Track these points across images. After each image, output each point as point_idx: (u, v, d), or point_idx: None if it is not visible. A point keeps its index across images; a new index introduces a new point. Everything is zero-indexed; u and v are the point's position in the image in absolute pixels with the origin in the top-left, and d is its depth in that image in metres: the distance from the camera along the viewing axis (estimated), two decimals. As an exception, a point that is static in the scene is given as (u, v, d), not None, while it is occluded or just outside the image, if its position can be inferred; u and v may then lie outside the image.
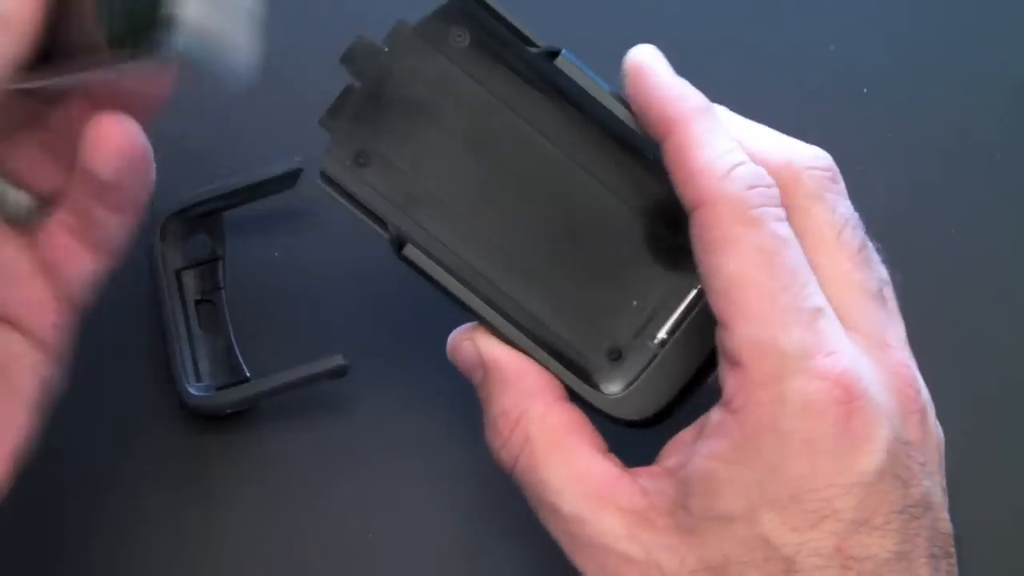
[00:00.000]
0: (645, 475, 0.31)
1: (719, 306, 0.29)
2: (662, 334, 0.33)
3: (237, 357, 0.39)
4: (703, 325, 0.32)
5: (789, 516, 0.28)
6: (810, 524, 0.28)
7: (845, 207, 0.32)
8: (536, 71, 0.33)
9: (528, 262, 0.33)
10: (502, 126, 0.33)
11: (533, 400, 0.32)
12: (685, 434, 0.32)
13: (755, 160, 0.31)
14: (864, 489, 0.28)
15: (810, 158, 0.32)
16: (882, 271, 0.33)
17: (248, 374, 0.39)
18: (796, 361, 0.28)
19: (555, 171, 0.33)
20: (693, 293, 0.33)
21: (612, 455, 0.32)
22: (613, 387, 0.33)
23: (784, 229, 0.30)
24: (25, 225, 0.30)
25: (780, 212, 0.30)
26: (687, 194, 0.30)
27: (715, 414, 0.30)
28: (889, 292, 0.33)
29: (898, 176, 0.43)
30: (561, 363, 0.33)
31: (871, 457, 0.28)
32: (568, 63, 0.33)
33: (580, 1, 0.45)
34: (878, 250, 0.33)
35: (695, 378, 0.33)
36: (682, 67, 0.44)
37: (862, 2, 0.45)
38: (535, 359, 0.33)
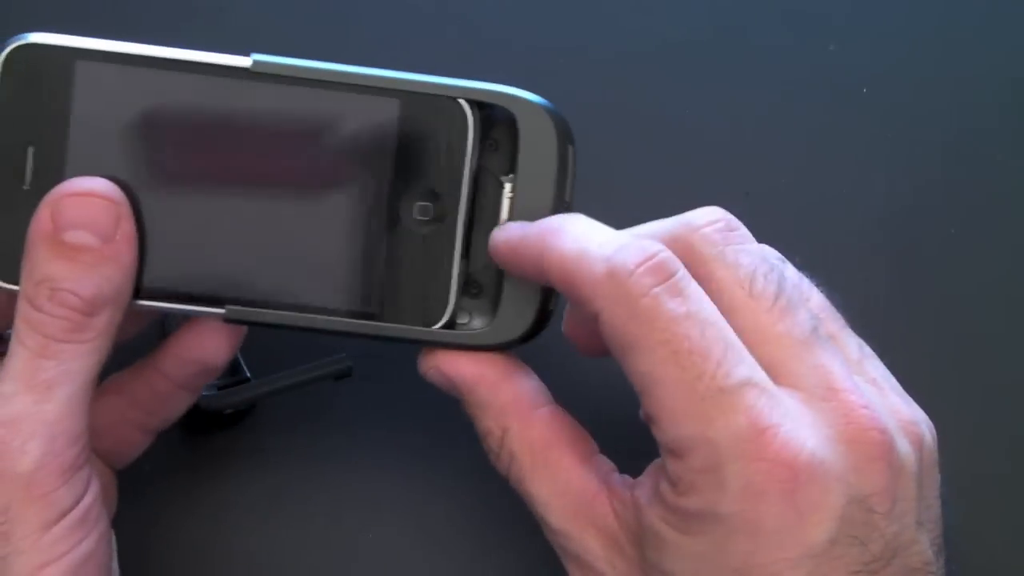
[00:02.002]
0: (619, 498, 0.31)
1: (644, 404, 0.29)
2: None
3: (238, 357, 0.39)
4: (531, 218, 0.32)
5: None
6: None
7: (748, 256, 0.30)
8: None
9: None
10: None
11: (510, 417, 0.32)
12: (653, 469, 0.31)
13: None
14: (813, 560, 0.28)
15: (698, 219, 0.31)
16: (811, 307, 0.31)
17: (248, 374, 0.39)
18: (730, 448, 0.28)
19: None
20: (508, 189, 0.33)
21: (598, 459, 0.32)
22: (485, 317, 0.33)
23: (682, 306, 0.28)
24: None
25: (676, 282, 0.29)
26: (585, 307, 0.30)
27: (664, 488, 0.29)
28: (830, 326, 0.32)
29: (898, 176, 0.43)
30: (381, 320, 0.32)
31: (819, 528, 0.28)
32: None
33: (580, 2, 0.45)
34: (800, 267, 0.32)
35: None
36: (682, 67, 0.44)
37: (862, 2, 0.45)
38: (382, 336, 0.32)
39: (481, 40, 0.44)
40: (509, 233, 0.32)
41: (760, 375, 0.29)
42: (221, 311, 0.32)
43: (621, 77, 0.44)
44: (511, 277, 0.33)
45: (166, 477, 0.39)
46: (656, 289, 0.28)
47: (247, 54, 0.32)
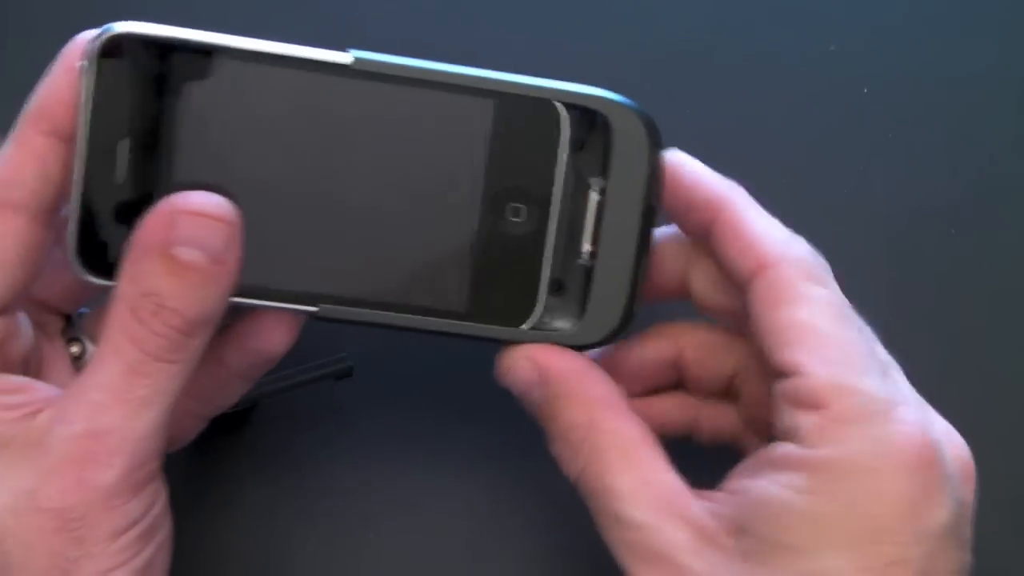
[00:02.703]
0: (708, 495, 0.31)
1: (788, 353, 0.30)
2: (587, 246, 0.33)
3: None
4: (621, 220, 0.32)
5: (861, 556, 0.28)
6: (880, 567, 0.28)
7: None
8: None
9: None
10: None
11: (601, 410, 0.32)
12: (739, 468, 0.31)
13: None
14: (934, 543, 0.28)
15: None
16: None
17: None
18: (880, 404, 0.29)
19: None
20: (594, 197, 0.33)
21: (674, 470, 0.32)
22: (569, 317, 0.33)
23: (843, 298, 0.31)
24: None
25: (836, 285, 0.31)
26: (747, 260, 0.31)
27: (786, 448, 0.30)
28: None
29: (898, 176, 0.43)
30: (470, 320, 0.32)
31: (942, 510, 0.28)
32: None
33: (579, 4, 0.45)
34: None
35: (637, 269, 0.33)
36: (682, 67, 0.44)
37: (862, 2, 0.45)
38: (470, 336, 0.32)
39: (481, 40, 0.44)
40: (690, 164, 0.33)
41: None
42: (314, 309, 0.32)
43: (620, 77, 0.44)
44: (600, 278, 0.33)
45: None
46: (826, 274, 0.31)
47: (344, 49, 0.31)
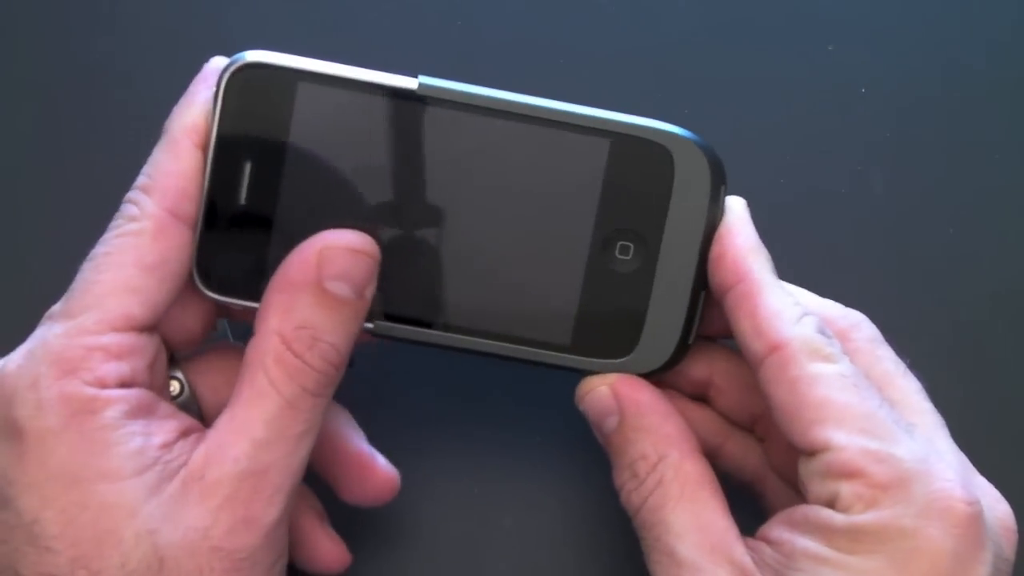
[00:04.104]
0: (753, 544, 0.31)
1: (812, 434, 0.30)
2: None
3: (229, 337, 0.38)
4: (678, 250, 0.33)
5: None
6: None
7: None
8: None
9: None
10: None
11: (672, 446, 0.32)
12: (784, 518, 0.32)
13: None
14: None
15: (861, 315, 0.34)
16: None
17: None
18: (915, 465, 0.29)
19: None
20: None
21: (731, 516, 0.32)
22: (628, 347, 0.33)
23: (857, 369, 0.31)
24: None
25: (847, 357, 0.31)
26: (759, 340, 0.31)
27: (827, 513, 0.30)
28: None
29: (897, 176, 0.43)
30: (569, 352, 0.33)
31: (985, 566, 0.29)
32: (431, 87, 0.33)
33: (578, 4, 0.45)
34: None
35: (693, 302, 0.33)
36: (682, 67, 0.44)
37: (861, 2, 0.45)
38: (548, 364, 0.33)
39: (480, 40, 0.44)
40: (741, 242, 0.33)
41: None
42: (436, 334, 0.33)
43: (620, 77, 0.44)
44: (655, 311, 0.33)
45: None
46: (837, 352, 0.31)
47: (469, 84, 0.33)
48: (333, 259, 0.31)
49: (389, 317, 0.33)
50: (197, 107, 0.32)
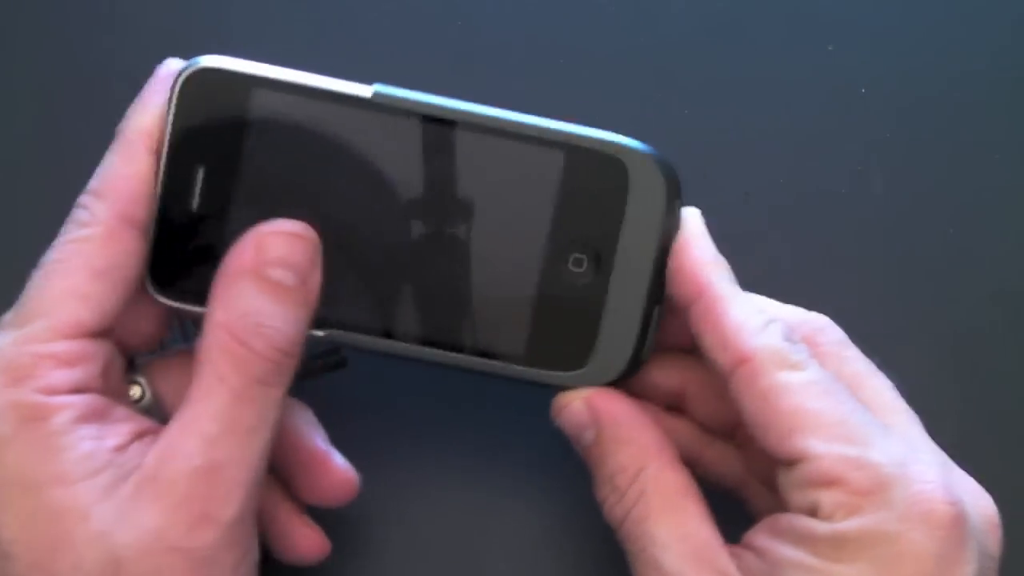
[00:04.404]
0: (737, 552, 0.31)
1: (787, 444, 0.30)
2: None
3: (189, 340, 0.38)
4: (633, 263, 0.32)
5: None
6: None
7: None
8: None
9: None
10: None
11: (651, 457, 0.32)
12: (766, 526, 0.31)
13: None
14: None
15: (825, 318, 0.34)
16: None
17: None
18: (894, 469, 0.29)
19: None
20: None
21: (715, 525, 0.32)
22: (581, 359, 0.33)
23: (827, 373, 0.31)
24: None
25: (816, 362, 0.31)
26: (725, 354, 0.31)
27: (808, 522, 0.30)
28: None
29: (897, 176, 0.43)
30: (522, 364, 0.33)
31: (969, 567, 0.29)
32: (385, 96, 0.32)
33: (578, 4, 0.45)
34: None
35: (647, 316, 0.33)
36: (682, 67, 0.44)
37: (861, 2, 0.45)
38: (502, 375, 0.33)
39: (480, 40, 0.44)
40: (697, 257, 0.32)
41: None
42: (393, 342, 0.33)
43: (620, 77, 0.44)
44: (609, 323, 0.33)
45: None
46: (805, 357, 0.31)
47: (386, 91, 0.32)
48: (270, 245, 0.30)
49: (341, 325, 0.33)
50: (151, 110, 0.32)
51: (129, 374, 0.33)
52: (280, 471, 0.35)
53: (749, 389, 0.31)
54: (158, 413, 0.33)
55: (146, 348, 0.34)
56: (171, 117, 0.31)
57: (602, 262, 0.33)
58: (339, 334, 0.33)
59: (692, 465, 0.35)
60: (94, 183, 0.31)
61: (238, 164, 0.32)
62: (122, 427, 0.30)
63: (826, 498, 0.29)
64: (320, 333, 0.32)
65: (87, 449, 0.29)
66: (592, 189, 0.32)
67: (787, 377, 0.30)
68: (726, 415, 0.35)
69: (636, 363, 0.33)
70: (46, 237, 0.41)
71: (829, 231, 0.43)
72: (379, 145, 0.32)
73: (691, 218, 0.33)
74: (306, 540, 0.35)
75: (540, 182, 0.32)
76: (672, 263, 0.32)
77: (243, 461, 0.30)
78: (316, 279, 0.31)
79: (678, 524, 0.31)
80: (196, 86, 0.32)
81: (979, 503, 0.31)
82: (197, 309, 0.32)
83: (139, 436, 0.30)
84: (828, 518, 0.29)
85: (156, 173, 0.31)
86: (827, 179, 0.43)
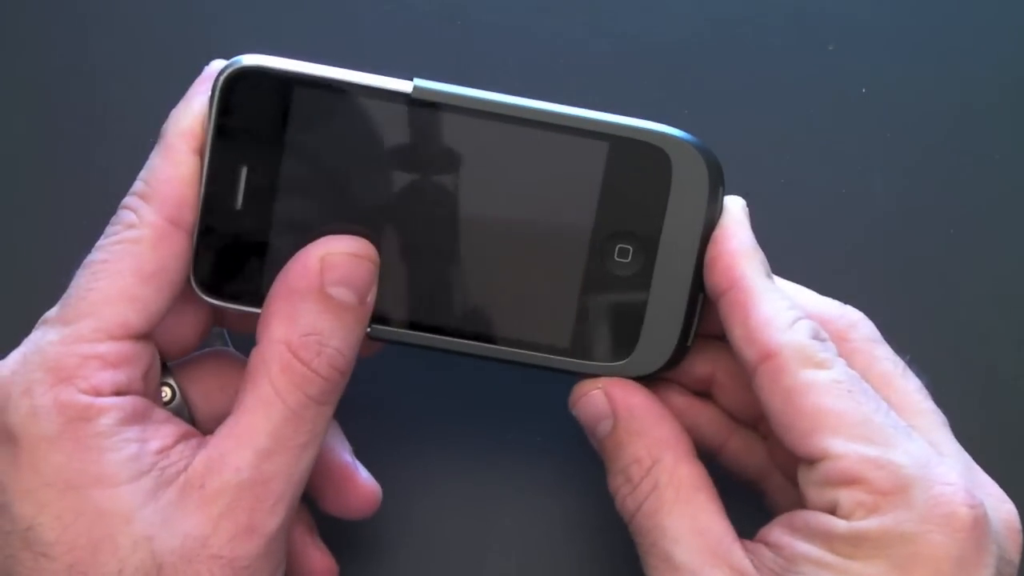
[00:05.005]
0: (752, 547, 0.31)
1: (809, 442, 0.30)
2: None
3: (227, 343, 0.38)
4: (677, 252, 0.33)
5: None
6: None
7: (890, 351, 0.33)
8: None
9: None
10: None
11: (666, 450, 0.32)
12: (784, 522, 0.31)
13: (808, 315, 0.32)
14: None
15: (859, 313, 0.34)
16: None
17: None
18: (915, 468, 0.29)
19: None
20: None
21: (728, 519, 0.32)
22: (626, 350, 0.33)
23: (852, 372, 0.31)
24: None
25: (843, 361, 0.31)
26: (751, 348, 0.31)
27: (828, 519, 0.30)
28: None
29: (898, 176, 0.43)
30: (568, 356, 0.33)
31: (988, 571, 0.29)
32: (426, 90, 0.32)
33: (578, 4, 0.45)
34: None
35: (691, 304, 0.33)
36: (683, 67, 0.44)
37: (862, 2, 0.45)
38: (546, 367, 0.33)
39: (481, 40, 0.44)
40: (734, 246, 0.32)
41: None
42: (438, 336, 0.33)
43: (619, 77, 0.44)
44: (653, 313, 0.33)
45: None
46: (831, 356, 0.31)
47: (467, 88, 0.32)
48: (335, 265, 0.31)
49: (386, 320, 0.33)
50: (194, 111, 0.32)
51: (163, 375, 0.33)
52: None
53: (773, 385, 0.31)
54: (186, 415, 0.33)
55: (183, 352, 0.34)
56: (213, 117, 0.32)
57: (647, 252, 0.33)
58: (385, 330, 0.33)
59: (716, 452, 0.36)
60: (139, 185, 0.31)
61: (281, 163, 0.32)
62: (164, 429, 0.30)
63: (846, 497, 0.29)
64: (367, 329, 0.32)
65: (132, 451, 0.29)
66: (636, 179, 0.33)
67: (811, 375, 0.30)
68: (753, 405, 0.35)
69: (681, 352, 0.33)
70: (46, 237, 0.41)
71: (829, 231, 0.43)
72: (420, 139, 0.32)
73: (733, 206, 0.33)
74: (319, 564, 0.35)
75: (584, 173, 0.33)
76: (709, 253, 0.32)
77: (291, 476, 0.30)
78: (373, 296, 0.32)
79: (691, 517, 0.31)
80: (237, 85, 0.32)
81: (1001, 508, 0.31)
82: (243, 308, 0.32)
83: (182, 439, 0.30)
84: (847, 516, 0.29)
85: (200, 173, 0.31)
86: (827, 179, 0.43)
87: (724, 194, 0.33)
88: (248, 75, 0.32)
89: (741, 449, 0.36)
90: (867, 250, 0.43)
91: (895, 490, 0.29)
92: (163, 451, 0.30)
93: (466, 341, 0.33)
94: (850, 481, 0.29)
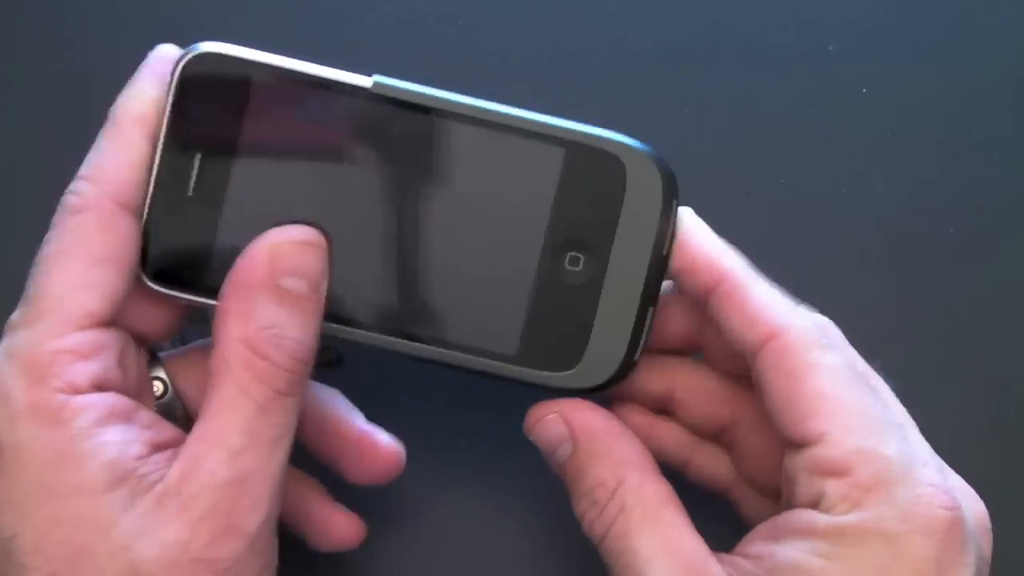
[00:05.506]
0: (729, 560, 0.31)
1: (806, 425, 0.30)
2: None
3: None
4: (628, 263, 0.32)
5: None
6: None
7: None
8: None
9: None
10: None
11: (630, 469, 0.32)
12: (758, 531, 0.31)
13: None
14: None
15: (827, 320, 0.33)
16: None
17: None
18: (901, 468, 0.29)
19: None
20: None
21: (698, 533, 0.32)
22: (572, 360, 0.33)
23: (856, 355, 0.31)
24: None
25: (843, 347, 0.31)
26: (753, 331, 0.31)
27: (810, 515, 0.30)
28: None
29: (898, 176, 0.43)
30: (513, 363, 0.32)
31: (967, 570, 0.29)
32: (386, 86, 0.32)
33: (579, 3, 0.45)
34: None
35: (640, 318, 0.32)
36: (683, 67, 0.44)
37: (862, 2, 0.45)
38: (492, 374, 0.33)
39: (480, 40, 0.44)
40: (696, 227, 0.32)
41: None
42: (383, 336, 0.33)
43: (620, 77, 0.44)
44: (601, 325, 0.32)
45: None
46: (833, 337, 0.31)
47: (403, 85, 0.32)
48: (284, 255, 0.30)
49: (333, 318, 0.32)
50: (143, 95, 0.31)
51: (150, 370, 0.33)
52: (325, 457, 0.35)
53: (777, 365, 0.30)
54: (179, 408, 0.33)
55: (163, 336, 0.33)
56: (170, 101, 0.31)
57: (598, 261, 0.32)
58: (331, 327, 0.32)
59: (681, 469, 0.35)
60: (85, 169, 0.31)
61: (236, 152, 0.32)
62: (145, 433, 0.30)
63: (832, 488, 0.29)
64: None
65: (110, 456, 0.29)
66: (590, 187, 0.32)
67: (817, 357, 0.30)
68: (715, 417, 0.35)
69: (628, 366, 0.33)
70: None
71: (829, 231, 0.43)
72: (377, 136, 0.32)
73: (688, 215, 0.33)
74: (345, 526, 0.35)
75: (538, 178, 0.32)
76: (681, 260, 0.32)
77: (267, 472, 0.30)
78: (326, 284, 0.31)
79: (662, 535, 0.31)
80: (196, 72, 0.31)
81: (975, 507, 0.31)
82: (191, 298, 0.32)
83: (161, 446, 0.30)
84: (830, 509, 0.29)
85: (152, 157, 0.31)
86: (827, 179, 0.43)
87: (678, 206, 0.33)
88: (208, 61, 0.31)
89: (706, 463, 0.36)
90: (867, 250, 0.43)
91: (880, 486, 0.29)
92: (143, 457, 0.29)
93: (412, 343, 0.32)
94: (839, 471, 0.29)
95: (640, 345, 0.33)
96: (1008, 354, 0.42)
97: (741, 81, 0.44)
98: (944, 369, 0.41)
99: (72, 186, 0.31)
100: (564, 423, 0.32)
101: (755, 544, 0.31)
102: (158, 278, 0.32)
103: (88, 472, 0.28)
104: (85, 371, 0.29)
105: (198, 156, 0.31)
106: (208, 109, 0.31)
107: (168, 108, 0.31)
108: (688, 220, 0.33)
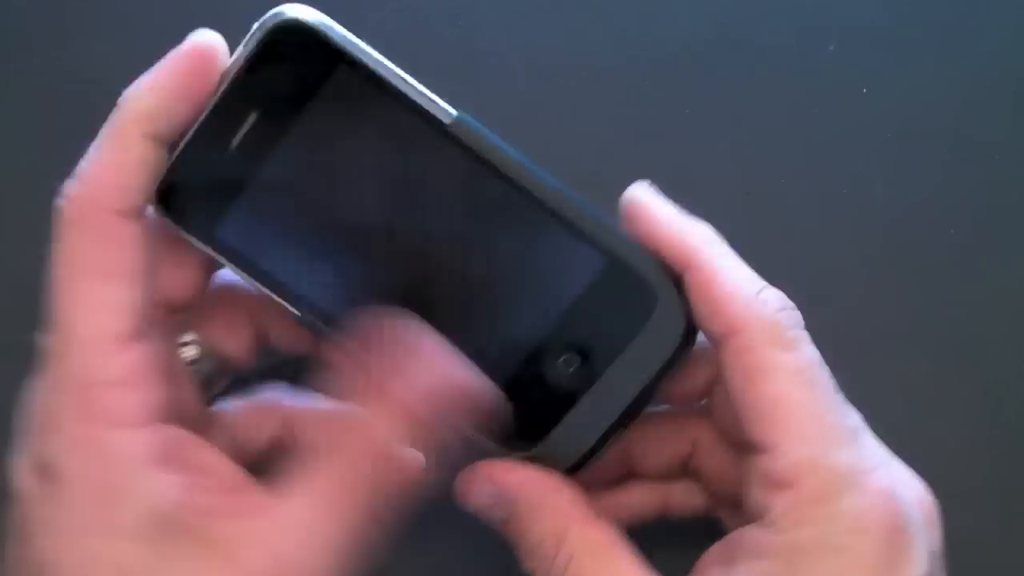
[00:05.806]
0: None
1: (759, 430, 0.29)
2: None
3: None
4: (618, 385, 0.32)
5: None
6: None
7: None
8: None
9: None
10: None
11: (570, 519, 0.31)
12: (712, 554, 0.31)
13: None
14: None
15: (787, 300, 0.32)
16: None
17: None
18: (846, 478, 0.29)
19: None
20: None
21: (651, 568, 0.32)
22: (528, 444, 0.32)
23: (815, 351, 0.30)
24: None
25: (807, 335, 0.30)
26: (717, 323, 0.30)
27: (756, 534, 0.29)
28: None
29: (898, 176, 0.43)
30: (477, 430, 0.32)
31: (918, 568, 0.29)
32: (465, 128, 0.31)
33: (579, 3, 0.45)
34: None
35: (606, 435, 0.32)
36: (684, 67, 0.44)
37: (862, 2, 0.45)
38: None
39: (480, 41, 0.44)
40: (657, 206, 0.32)
41: (865, 427, 0.31)
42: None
43: (620, 76, 0.44)
44: (573, 421, 0.32)
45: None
46: (799, 331, 0.30)
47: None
48: (453, 401, 0.30)
49: (319, 315, 0.32)
50: (157, 91, 0.30)
51: (180, 336, 0.33)
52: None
53: (736, 363, 0.30)
54: (215, 364, 0.33)
55: (193, 296, 0.33)
56: (245, 54, 0.30)
57: (591, 371, 0.32)
58: (312, 320, 0.32)
59: (663, 515, 0.35)
60: (79, 168, 0.30)
61: (292, 125, 0.31)
62: (197, 479, 0.29)
63: (777, 502, 0.29)
64: (296, 312, 0.32)
65: (154, 502, 0.28)
66: (614, 303, 0.32)
67: (775, 358, 0.30)
68: (677, 453, 0.35)
69: (578, 468, 0.32)
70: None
71: (829, 231, 0.43)
72: (432, 171, 0.31)
73: (642, 190, 0.32)
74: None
75: (569, 273, 0.32)
76: (654, 234, 0.31)
77: (318, 567, 0.28)
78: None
79: (615, 575, 0.31)
80: (283, 35, 0.30)
81: (923, 500, 0.30)
82: (192, 240, 0.31)
83: (210, 491, 0.29)
84: (775, 525, 0.29)
85: (154, 154, 0.30)
86: (827, 179, 0.43)
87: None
88: (297, 29, 0.30)
89: (684, 500, 0.36)
90: (867, 250, 0.43)
91: (823, 498, 0.29)
92: (189, 504, 0.28)
93: None
94: (784, 484, 0.29)
95: (594, 457, 0.32)
96: (1008, 354, 0.42)
97: (741, 81, 0.44)
98: (944, 369, 0.41)
99: (65, 186, 0.30)
100: (494, 484, 0.32)
101: (709, 569, 0.30)
102: (168, 210, 0.31)
103: (129, 515, 0.28)
104: (134, 400, 0.29)
105: (254, 115, 0.31)
106: (281, 75, 0.31)
107: (242, 60, 0.30)
108: (642, 195, 0.32)
